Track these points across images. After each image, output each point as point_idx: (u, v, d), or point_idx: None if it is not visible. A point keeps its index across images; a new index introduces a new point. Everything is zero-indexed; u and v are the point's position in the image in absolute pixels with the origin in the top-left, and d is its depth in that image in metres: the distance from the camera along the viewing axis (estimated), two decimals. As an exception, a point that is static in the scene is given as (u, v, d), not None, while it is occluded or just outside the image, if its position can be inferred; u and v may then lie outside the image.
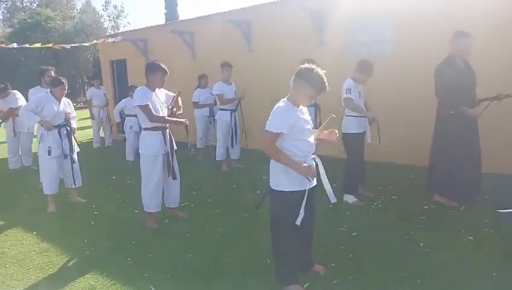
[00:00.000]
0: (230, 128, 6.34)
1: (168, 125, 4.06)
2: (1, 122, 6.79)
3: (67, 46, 9.36)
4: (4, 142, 7.86)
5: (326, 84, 2.52)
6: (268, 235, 3.21)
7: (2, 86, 6.64)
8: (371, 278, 2.87)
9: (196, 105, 7.09)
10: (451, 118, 4.03)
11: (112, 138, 9.32)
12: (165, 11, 30.16)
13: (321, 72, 2.51)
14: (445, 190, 4.22)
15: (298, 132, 2.56)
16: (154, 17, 54.74)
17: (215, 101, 6.78)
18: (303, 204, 2.58)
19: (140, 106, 3.84)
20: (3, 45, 8.60)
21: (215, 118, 6.60)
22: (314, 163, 2.66)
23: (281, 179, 2.60)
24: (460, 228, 3.63)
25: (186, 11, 55.61)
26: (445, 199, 4.21)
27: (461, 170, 4.02)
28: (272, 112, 2.56)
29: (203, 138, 7.48)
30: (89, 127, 8.78)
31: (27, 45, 8.30)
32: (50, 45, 8.88)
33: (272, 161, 2.67)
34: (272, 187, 2.67)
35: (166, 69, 3.96)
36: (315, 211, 2.84)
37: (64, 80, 4.62)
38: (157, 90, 4.00)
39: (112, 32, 29.12)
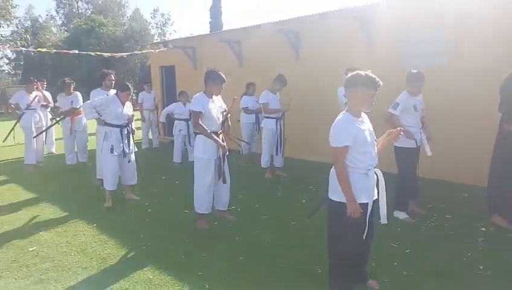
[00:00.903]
0: (276, 136, 6.42)
1: (221, 131, 4.20)
2: (60, 120, 7.23)
3: (124, 55, 9.86)
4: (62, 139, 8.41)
5: (377, 78, 2.55)
6: (319, 245, 3.24)
7: (68, 81, 7.00)
8: (428, 296, 2.81)
9: (246, 110, 7.24)
10: None
11: (159, 140, 9.68)
12: (209, 19, 31.03)
13: (365, 72, 2.57)
14: (506, 212, 4.00)
15: (360, 143, 2.57)
16: (198, 25, 56.47)
17: (260, 109, 6.92)
18: (367, 217, 2.59)
19: (192, 111, 4.04)
20: (65, 51, 9.19)
21: (261, 125, 6.71)
22: (376, 176, 2.67)
23: (338, 189, 2.61)
24: (523, 252, 3.47)
25: (230, 21, 56.87)
26: (505, 222, 4.00)
27: None
28: (332, 127, 2.60)
29: (248, 145, 7.60)
30: (137, 128, 9.20)
31: (88, 53, 8.83)
32: (108, 54, 9.39)
33: (332, 169, 2.70)
34: (332, 198, 2.67)
35: (225, 78, 4.10)
36: (374, 226, 2.82)
37: (131, 87, 4.91)
38: (214, 96, 4.15)
39: (159, 39, 30.33)
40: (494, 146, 4.11)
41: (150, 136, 9.65)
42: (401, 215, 4.38)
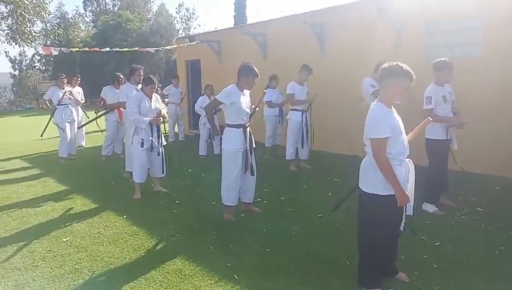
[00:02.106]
0: (301, 129, 6.39)
1: (248, 123, 4.23)
2: (105, 112, 7.33)
3: (152, 51, 10.04)
4: (97, 132, 8.70)
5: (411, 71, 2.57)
6: (345, 237, 3.22)
7: (121, 77, 7.13)
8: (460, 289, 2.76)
9: (270, 104, 7.24)
10: None
11: (184, 133, 9.84)
12: (234, 13, 30.98)
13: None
14: None
15: (398, 133, 2.58)
16: (223, 19, 56.59)
17: (284, 102, 6.90)
18: (405, 210, 2.59)
19: (216, 97, 4.14)
20: (97, 49, 9.45)
21: (287, 117, 6.69)
22: (408, 166, 2.64)
23: (376, 182, 2.60)
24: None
25: (254, 14, 56.64)
26: None
27: None
28: (369, 117, 2.58)
29: (271, 137, 7.61)
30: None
31: (117, 49, 9.06)
32: (137, 49, 9.60)
33: (364, 161, 2.68)
34: (364, 190, 2.67)
35: (258, 73, 4.13)
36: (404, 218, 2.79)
37: (155, 79, 5.00)
38: (244, 90, 4.18)
39: (183, 34, 30.62)
40: None
41: (176, 130, 9.82)
42: (430, 207, 4.30)
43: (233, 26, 19.13)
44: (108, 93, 7.16)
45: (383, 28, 6.56)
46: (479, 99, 5.48)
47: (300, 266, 3.21)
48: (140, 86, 5.65)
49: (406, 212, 2.70)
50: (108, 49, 8.92)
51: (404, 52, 6.26)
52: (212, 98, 7.36)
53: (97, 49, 9.40)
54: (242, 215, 4.40)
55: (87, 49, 11.24)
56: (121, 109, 7.07)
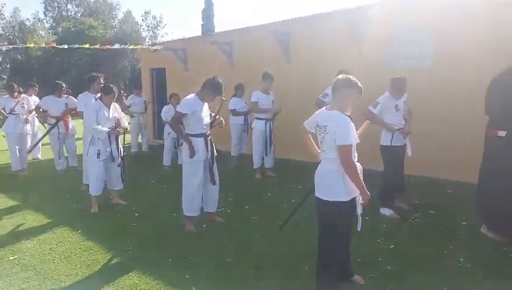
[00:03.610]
0: (265, 137, 6.44)
1: (209, 132, 4.22)
2: (56, 123, 6.99)
3: (115, 46, 9.85)
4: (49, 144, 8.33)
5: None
6: (307, 243, 3.27)
7: (63, 85, 6.94)
8: (410, 291, 2.86)
9: (234, 112, 7.26)
10: (503, 141, 3.60)
11: (148, 143, 9.66)
12: (202, 22, 31.00)
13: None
14: (494, 224, 3.75)
15: (356, 138, 2.69)
16: (190, 28, 56.32)
17: (249, 110, 6.94)
18: (358, 210, 2.69)
19: (176, 110, 4.07)
20: (54, 44, 9.11)
21: (251, 126, 6.73)
22: (360, 168, 2.75)
23: (339, 190, 2.66)
24: (502, 245, 3.53)
25: (222, 23, 56.88)
26: (493, 234, 3.73)
27: (511, 202, 3.55)
28: (341, 125, 2.62)
29: (237, 146, 7.61)
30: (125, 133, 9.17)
31: (76, 45, 8.75)
32: (97, 46, 9.37)
33: (325, 170, 2.73)
34: (326, 199, 2.71)
35: (223, 92, 4.17)
36: None
37: (115, 89, 4.89)
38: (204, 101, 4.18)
39: (150, 42, 30.24)
40: (483, 153, 3.88)
41: (140, 140, 9.62)
42: (387, 211, 4.44)
43: (200, 35, 19.11)
44: (49, 103, 6.92)
45: (345, 39, 6.78)
46: (431, 107, 5.75)
47: (260, 274, 3.21)
48: (99, 94, 5.52)
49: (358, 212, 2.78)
50: (66, 46, 8.59)
51: (365, 61, 6.49)
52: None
53: (55, 44, 9.03)
54: (204, 225, 4.35)
55: (44, 45, 10.81)
56: (67, 120, 6.91)
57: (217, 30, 20.01)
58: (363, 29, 6.59)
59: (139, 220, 4.64)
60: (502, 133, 3.60)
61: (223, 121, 4.43)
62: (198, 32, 29.73)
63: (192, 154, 4.04)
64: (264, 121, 6.40)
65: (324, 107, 2.84)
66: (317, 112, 2.88)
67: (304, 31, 7.51)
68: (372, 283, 2.96)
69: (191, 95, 4.14)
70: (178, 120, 4.11)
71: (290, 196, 5.29)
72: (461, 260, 3.30)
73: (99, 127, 4.68)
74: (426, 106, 5.67)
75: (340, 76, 2.75)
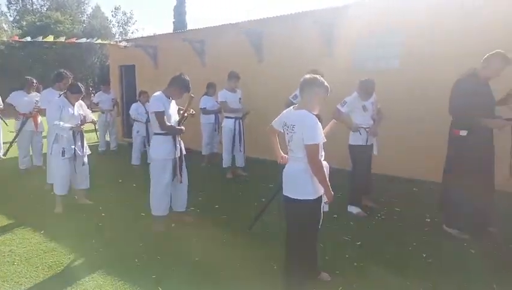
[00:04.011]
0: (235, 136, 6.43)
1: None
2: (25, 121, 6.65)
3: (81, 41, 9.53)
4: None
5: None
6: (276, 242, 3.29)
7: (33, 81, 6.65)
8: (375, 285, 2.94)
9: (204, 111, 7.21)
10: (465, 140, 3.71)
11: (117, 142, 9.41)
12: (173, 19, 30.56)
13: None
14: (456, 221, 3.88)
15: (323, 137, 2.72)
16: (162, 25, 55.31)
17: (220, 109, 6.91)
18: (322, 208, 2.74)
19: (156, 113, 3.94)
20: (17, 38, 8.68)
21: (222, 125, 6.71)
22: (327, 166, 2.80)
23: (307, 189, 2.69)
24: (463, 241, 3.69)
25: (194, 21, 56.30)
26: (454, 231, 3.88)
27: (472, 199, 3.67)
28: (308, 125, 2.64)
29: (208, 145, 7.56)
30: (91, 130, 8.88)
31: (40, 38, 8.38)
32: (63, 40, 9.03)
33: (293, 169, 2.75)
34: (295, 197, 2.73)
35: (190, 88, 4.09)
36: None
37: (82, 89, 4.72)
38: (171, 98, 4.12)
39: (120, 38, 29.48)
40: (447, 151, 4.00)
41: (108, 138, 9.36)
42: (354, 209, 4.54)
43: (172, 32, 18.79)
44: (16, 99, 6.62)
45: (317, 39, 6.87)
46: (398, 108, 5.92)
47: (229, 272, 3.19)
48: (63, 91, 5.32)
49: (323, 209, 2.83)
50: (29, 39, 8.22)
51: (335, 62, 6.61)
52: (146, 106, 7.16)
53: (17, 38, 8.61)
54: (173, 225, 4.28)
55: (6, 39, 10.31)
56: (36, 117, 6.63)
57: (189, 28, 19.77)
58: (334, 30, 6.71)
59: (105, 220, 4.51)
60: (464, 133, 3.74)
61: (193, 111, 4.34)
62: (170, 29, 29.29)
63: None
64: (233, 120, 6.38)
65: (292, 107, 2.86)
66: (284, 111, 2.90)
67: (277, 30, 7.55)
68: (338, 280, 3.01)
69: (157, 93, 4.06)
70: (164, 120, 3.93)
71: (261, 195, 5.29)
72: (424, 255, 3.42)
73: (61, 123, 4.51)
74: (394, 107, 5.82)
75: (307, 75, 2.77)
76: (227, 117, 6.43)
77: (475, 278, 3.02)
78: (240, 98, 6.42)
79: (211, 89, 7.30)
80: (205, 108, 7.16)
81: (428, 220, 4.27)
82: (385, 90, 5.51)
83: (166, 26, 54.98)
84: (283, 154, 3.03)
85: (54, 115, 4.53)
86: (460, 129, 3.77)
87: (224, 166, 6.56)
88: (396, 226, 4.15)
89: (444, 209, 4.04)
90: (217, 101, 7.12)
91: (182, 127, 4.14)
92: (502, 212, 4.13)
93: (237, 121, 6.39)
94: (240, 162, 6.61)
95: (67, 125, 4.53)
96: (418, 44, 5.86)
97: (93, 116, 5.01)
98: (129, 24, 36.52)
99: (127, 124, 10.15)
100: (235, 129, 6.37)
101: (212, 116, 7.36)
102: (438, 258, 3.37)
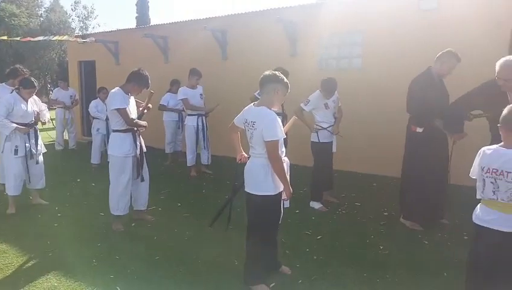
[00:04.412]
0: (199, 133, 6.37)
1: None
2: None
3: (38, 39, 9.09)
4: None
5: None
6: (238, 237, 3.29)
7: None
8: (334, 278, 3.01)
9: (163, 108, 7.10)
10: (421, 137, 3.87)
11: (76, 140, 9.06)
12: (136, 14, 29.79)
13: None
14: (411, 214, 4.04)
15: (283, 134, 2.75)
16: (124, 20, 53.58)
17: (183, 107, 6.84)
18: (282, 203, 2.77)
19: (118, 109, 3.81)
20: None
21: (184, 123, 6.63)
22: (287, 162, 2.83)
23: (267, 184, 2.71)
24: (417, 233, 3.86)
25: (157, 16, 55.12)
26: (409, 223, 4.03)
27: (427, 193, 3.88)
28: (268, 121, 2.65)
29: (172, 143, 7.45)
30: (51, 129, 8.48)
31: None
32: (17, 39, 8.57)
33: (254, 165, 2.77)
34: (256, 193, 2.74)
35: (149, 84, 4.00)
36: None
37: (36, 84, 4.51)
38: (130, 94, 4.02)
39: (80, 33, 28.36)
40: (405, 147, 4.15)
41: (66, 136, 8.98)
42: (316, 205, 4.63)
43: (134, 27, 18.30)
44: None
45: (281, 38, 6.94)
46: (360, 106, 6.11)
47: (189, 270, 3.16)
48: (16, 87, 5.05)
49: (284, 206, 2.86)
50: None
51: (299, 61, 6.72)
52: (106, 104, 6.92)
53: None
54: (133, 224, 4.19)
55: None
56: None
57: (152, 23, 19.35)
58: (298, 29, 6.81)
59: (61, 220, 4.34)
60: (420, 130, 3.91)
61: (151, 105, 4.24)
62: (132, 25, 28.51)
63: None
64: (195, 117, 6.32)
65: (252, 103, 2.88)
66: (246, 108, 2.91)
67: (241, 28, 7.56)
68: (298, 273, 3.06)
69: (115, 89, 3.95)
70: (127, 115, 3.83)
71: (225, 193, 5.27)
72: (381, 247, 3.55)
73: (6, 121, 4.28)
74: (356, 105, 6.02)
75: (266, 72, 2.78)
76: (189, 115, 6.36)
77: (427, 267, 3.17)
78: (201, 94, 6.35)
79: (174, 86, 7.20)
80: (164, 105, 7.07)
81: (386, 213, 4.44)
82: (348, 89, 5.69)
83: (129, 22, 53.51)
84: (244, 153, 3.02)
85: (2, 111, 4.29)
86: (417, 126, 3.93)
87: (188, 165, 6.49)
88: (355, 219, 4.28)
89: (401, 203, 4.21)
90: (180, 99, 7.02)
91: (145, 122, 4.05)
92: (454, 205, 4.36)
93: (200, 118, 6.33)
94: (204, 159, 6.55)
95: (13, 125, 4.31)
96: (379, 44, 6.07)
97: (48, 113, 4.78)
98: (90, 19, 35.12)
99: (87, 122, 9.80)
100: (198, 126, 6.31)
101: (176, 114, 7.26)
102: (394, 249, 3.51)
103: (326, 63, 6.70)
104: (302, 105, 4.56)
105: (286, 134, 2.89)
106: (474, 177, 2.27)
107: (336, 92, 4.66)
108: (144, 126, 4.03)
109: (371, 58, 6.19)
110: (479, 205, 2.24)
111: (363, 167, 6.20)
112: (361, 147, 6.15)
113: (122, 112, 3.81)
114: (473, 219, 2.24)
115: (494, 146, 2.19)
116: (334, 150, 4.74)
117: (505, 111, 2.17)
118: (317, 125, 4.60)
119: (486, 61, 3.78)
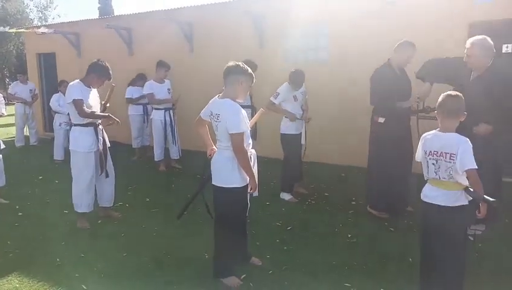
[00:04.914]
0: (167, 128, 6.25)
1: (100, 121, 3.93)
2: None
3: None
4: None
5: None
6: (209, 231, 3.27)
7: None
8: (303, 267, 3.05)
9: (131, 100, 6.92)
10: (384, 126, 3.95)
11: (37, 136, 8.66)
12: (98, 5, 28.70)
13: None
14: (377, 202, 4.13)
15: (247, 126, 2.73)
16: (86, 11, 51.47)
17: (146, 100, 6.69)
18: (249, 195, 2.76)
19: (74, 101, 3.67)
20: None
21: (150, 117, 6.47)
22: (254, 154, 2.83)
23: (234, 176, 2.69)
24: (384, 221, 3.98)
25: (120, 7, 53.33)
26: (376, 211, 4.12)
27: (391, 181, 3.95)
28: (231, 114, 2.63)
29: (139, 138, 7.26)
30: (10, 124, 8.07)
31: None
32: None
33: (219, 157, 2.75)
34: (222, 185, 2.73)
35: (111, 74, 3.88)
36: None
37: None
38: (91, 87, 3.88)
39: (39, 24, 27.00)
40: (369, 138, 4.23)
41: (27, 132, 8.56)
42: (286, 196, 4.68)
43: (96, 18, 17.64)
44: None
45: (248, 30, 6.89)
46: (327, 98, 6.20)
47: (159, 266, 3.11)
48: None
49: (253, 195, 2.86)
50: None
51: (267, 53, 6.71)
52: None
53: None
54: (99, 221, 4.07)
55: None
56: None
57: (116, 14, 18.75)
58: (264, 21, 6.79)
59: (22, 219, 4.15)
60: (382, 120, 4.02)
61: (117, 121, 3.97)
62: (95, 16, 27.46)
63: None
64: (163, 111, 6.18)
65: (217, 96, 2.84)
66: (211, 100, 2.87)
67: (207, 20, 7.45)
68: (269, 264, 3.08)
69: (75, 82, 3.80)
70: (81, 107, 3.68)
71: (194, 187, 5.20)
72: (349, 236, 3.64)
73: None
74: (322, 97, 6.09)
75: (230, 63, 2.73)
76: (156, 109, 6.21)
77: (393, 253, 3.28)
78: (168, 89, 6.22)
79: (139, 80, 7.00)
80: (131, 98, 6.90)
81: (354, 203, 4.54)
82: (315, 80, 5.75)
83: (91, 12, 51.44)
84: (214, 147, 2.98)
85: None
86: (379, 116, 4.04)
87: (156, 159, 6.36)
88: (324, 209, 4.36)
89: (368, 192, 4.33)
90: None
91: (108, 114, 3.91)
92: (418, 193, 4.51)
93: (167, 113, 6.20)
94: (174, 154, 6.44)
95: None
96: (344, 35, 6.15)
97: (3, 107, 4.53)
98: (49, 9, 33.49)
99: (49, 117, 9.39)
100: (165, 121, 6.19)
101: (141, 108, 7.07)
102: (361, 237, 3.61)
103: (294, 55, 6.72)
104: (272, 99, 4.58)
105: (256, 127, 2.89)
106: (419, 161, 2.55)
107: (303, 84, 4.70)
108: (105, 117, 3.88)
109: (337, 49, 6.27)
110: (426, 185, 2.49)
111: (332, 158, 6.30)
112: (330, 139, 6.26)
113: (77, 103, 3.66)
114: (421, 197, 2.49)
115: (433, 131, 2.45)
116: (302, 142, 4.78)
117: (440, 98, 2.45)
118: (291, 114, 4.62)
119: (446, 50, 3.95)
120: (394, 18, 5.65)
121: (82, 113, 3.70)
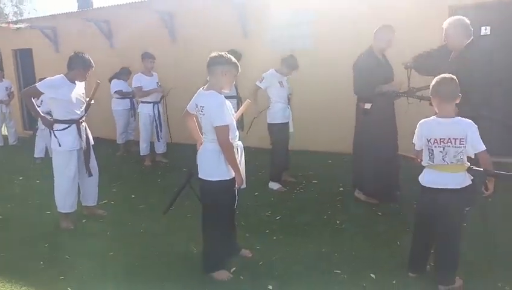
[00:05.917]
0: (154, 122, 6.13)
1: (83, 118, 3.82)
2: None
3: None
4: None
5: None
6: (194, 225, 3.22)
7: None
8: (293, 256, 3.03)
9: (121, 93, 6.75)
10: (369, 113, 3.96)
11: (17, 135, 8.42)
12: (76, -2, 27.89)
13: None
14: (364, 187, 4.15)
15: (232, 119, 2.67)
16: (64, 3, 49.85)
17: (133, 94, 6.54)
18: (236, 188, 2.70)
19: (35, 85, 3.64)
20: None
21: (138, 111, 6.33)
22: (241, 146, 2.78)
23: (220, 169, 2.64)
24: (372, 205, 3.98)
25: (101, 1, 51.95)
26: (364, 196, 4.14)
27: (379, 167, 3.95)
28: (215, 106, 2.56)
29: (124, 133, 7.11)
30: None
31: None
32: None
33: (205, 150, 2.69)
34: (209, 179, 2.67)
35: (93, 63, 3.75)
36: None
37: None
38: (77, 82, 3.74)
39: (14, 19, 26.13)
40: (355, 124, 4.22)
41: (5, 132, 8.30)
42: (274, 185, 4.65)
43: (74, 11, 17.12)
44: None
45: (231, 19, 6.75)
46: (312, 87, 6.14)
47: (147, 263, 3.05)
48: None
49: (240, 187, 2.80)
50: None
51: (251, 42, 6.59)
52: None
53: None
54: (84, 220, 3.97)
55: None
56: None
57: (95, 7, 18.23)
58: (248, 10, 6.65)
59: (4, 222, 4.03)
60: (368, 106, 3.99)
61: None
62: (74, 9, 26.69)
63: (46, 124, 3.77)
64: (151, 105, 6.06)
65: (202, 88, 2.76)
66: (197, 92, 2.79)
67: (188, 10, 7.29)
68: (259, 255, 3.05)
69: (58, 76, 3.67)
70: (29, 95, 3.69)
71: (181, 181, 5.13)
72: (338, 222, 3.64)
73: None
74: (309, 87, 6.04)
75: (213, 53, 2.65)
76: (144, 102, 6.08)
77: (382, 237, 3.29)
78: (157, 82, 6.10)
79: (123, 75, 6.84)
80: (121, 90, 6.72)
81: (342, 189, 4.54)
82: (301, 68, 5.68)
83: (70, 6, 49.92)
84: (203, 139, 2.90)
85: None
86: (365, 102, 4.01)
87: (141, 154, 6.25)
88: (313, 197, 4.35)
89: (355, 178, 4.31)
90: (130, 87, 6.68)
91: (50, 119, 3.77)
92: (405, 177, 4.52)
93: (155, 106, 6.07)
94: (160, 148, 6.32)
95: None
96: (330, 22, 6.07)
97: None
98: (25, 3, 32.42)
99: (28, 115, 9.13)
100: (154, 115, 6.06)
101: (127, 102, 6.91)
102: (350, 223, 3.60)
103: (279, 43, 6.62)
104: (257, 83, 4.56)
105: (242, 118, 2.83)
106: (419, 150, 2.51)
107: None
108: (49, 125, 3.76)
109: (323, 37, 6.20)
110: (425, 171, 2.49)
111: (319, 145, 6.28)
112: (316, 127, 6.23)
113: (32, 88, 3.67)
114: (426, 184, 2.46)
115: (432, 118, 2.42)
116: (291, 129, 4.73)
117: (433, 82, 2.39)
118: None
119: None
120: (380, 5, 5.59)
121: (24, 95, 3.80)
